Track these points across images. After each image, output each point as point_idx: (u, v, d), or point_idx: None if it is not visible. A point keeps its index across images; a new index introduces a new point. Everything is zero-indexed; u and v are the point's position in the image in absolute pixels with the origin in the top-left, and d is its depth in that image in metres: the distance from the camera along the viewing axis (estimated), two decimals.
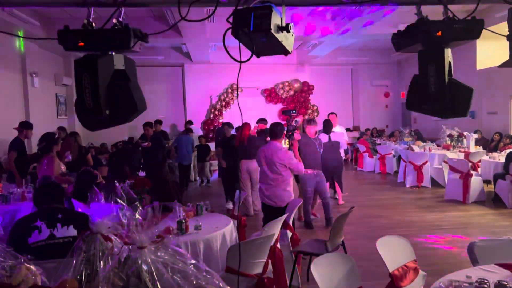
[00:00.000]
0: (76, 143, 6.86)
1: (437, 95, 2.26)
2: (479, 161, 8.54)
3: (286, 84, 14.07)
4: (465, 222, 6.57)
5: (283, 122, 7.20)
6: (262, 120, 9.28)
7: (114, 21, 2.18)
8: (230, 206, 7.62)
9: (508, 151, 7.95)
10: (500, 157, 8.15)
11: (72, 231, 2.75)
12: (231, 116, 13.87)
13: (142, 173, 8.18)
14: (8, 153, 6.43)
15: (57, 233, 2.73)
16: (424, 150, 9.93)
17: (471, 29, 2.25)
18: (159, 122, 10.06)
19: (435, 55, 2.28)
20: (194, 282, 1.76)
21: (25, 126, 6.70)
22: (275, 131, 5.01)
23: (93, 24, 2.21)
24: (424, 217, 6.84)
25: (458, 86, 2.32)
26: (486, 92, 10.60)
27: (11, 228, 2.79)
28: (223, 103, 13.83)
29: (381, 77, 15.56)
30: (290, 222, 4.33)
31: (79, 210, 3.56)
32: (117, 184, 4.05)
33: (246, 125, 7.58)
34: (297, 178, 6.68)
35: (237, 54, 1.86)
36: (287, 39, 2.03)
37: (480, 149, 9.31)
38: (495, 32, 2.49)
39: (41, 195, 2.97)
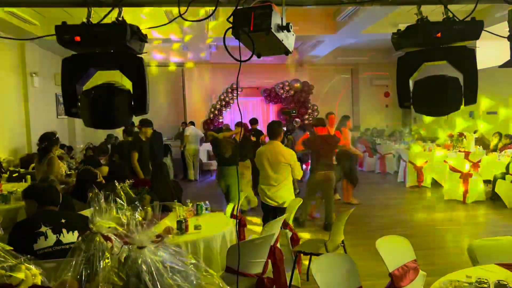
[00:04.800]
0: None
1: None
2: (479, 161, 8.54)
3: (286, 84, 14.07)
4: (465, 222, 6.57)
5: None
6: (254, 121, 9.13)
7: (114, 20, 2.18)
8: None
9: (509, 151, 7.95)
10: (500, 157, 8.14)
11: (77, 236, 2.72)
12: (231, 116, 13.88)
13: None
14: (130, 152, 6.18)
15: (64, 239, 2.70)
16: (424, 150, 9.93)
17: (470, 30, 2.25)
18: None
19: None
20: (194, 282, 1.76)
21: (143, 124, 6.34)
22: (275, 130, 4.90)
23: None
24: (424, 217, 6.84)
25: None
26: (486, 92, 10.59)
27: (11, 231, 2.72)
28: (223, 103, 13.83)
29: (381, 77, 15.56)
30: (290, 222, 4.33)
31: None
32: (117, 184, 4.04)
33: (246, 125, 7.59)
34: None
35: (237, 54, 1.86)
36: (288, 39, 2.02)
37: (480, 149, 9.31)
38: (495, 34, 2.49)
39: (41, 197, 2.94)
